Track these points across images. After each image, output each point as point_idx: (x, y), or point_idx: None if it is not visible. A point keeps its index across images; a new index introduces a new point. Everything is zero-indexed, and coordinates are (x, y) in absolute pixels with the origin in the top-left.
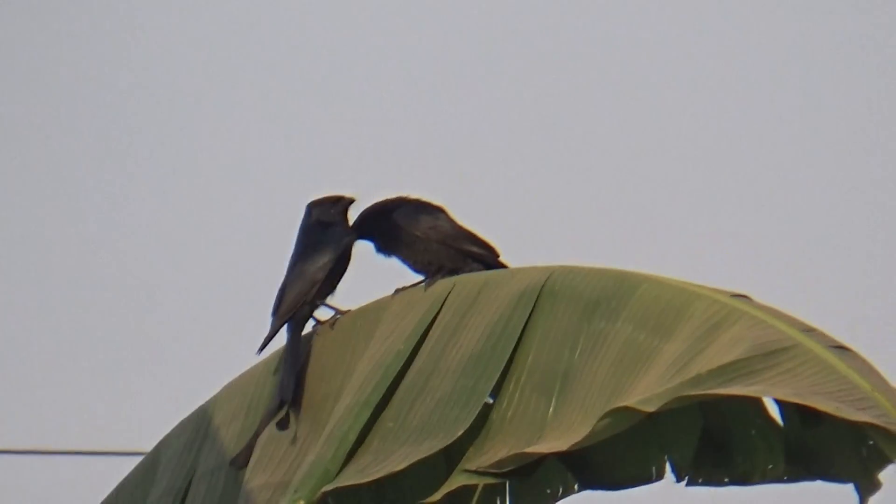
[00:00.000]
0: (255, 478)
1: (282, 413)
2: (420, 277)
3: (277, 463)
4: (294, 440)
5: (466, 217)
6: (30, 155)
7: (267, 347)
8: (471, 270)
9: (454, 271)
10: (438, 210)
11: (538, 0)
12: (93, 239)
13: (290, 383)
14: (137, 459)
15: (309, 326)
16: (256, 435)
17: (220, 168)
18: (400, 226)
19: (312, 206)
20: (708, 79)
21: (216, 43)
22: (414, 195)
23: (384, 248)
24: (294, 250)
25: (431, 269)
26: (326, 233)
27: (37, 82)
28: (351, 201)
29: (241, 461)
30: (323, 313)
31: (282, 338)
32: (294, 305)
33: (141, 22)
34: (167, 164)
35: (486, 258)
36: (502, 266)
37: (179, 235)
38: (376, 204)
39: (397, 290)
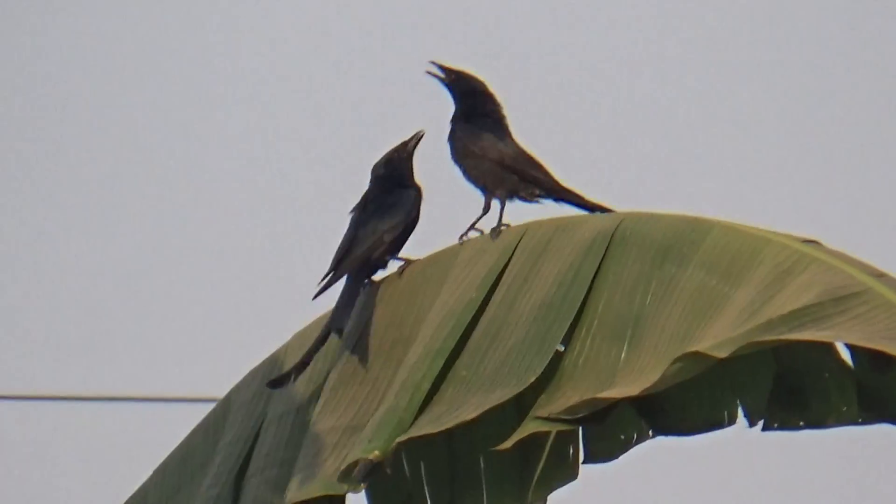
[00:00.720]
0: (322, 420)
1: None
2: (477, 192)
3: (346, 405)
4: (360, 384)
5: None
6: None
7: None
8: (529, 194)
9: (512, 194)
10: (504, 130)
11: None
12: (162, 183)
13: (343, 313)
14: (209, 406)
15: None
16: (299, 363)
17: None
18: (461, 138)
19: (377, 168)
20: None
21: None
22: (493, 104)
23: (450, 136)
24: (361, 204)
25: (486, 187)
26: (400, 193)
27: (43, 81)
28: (416, 142)
29: (277, 383)
30: (381, 272)
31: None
32: (358, 261)
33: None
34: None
35: (544, 182)
36: (563, 191)
37: (250, 185)
38: (473, 82)
39: (462, 238)
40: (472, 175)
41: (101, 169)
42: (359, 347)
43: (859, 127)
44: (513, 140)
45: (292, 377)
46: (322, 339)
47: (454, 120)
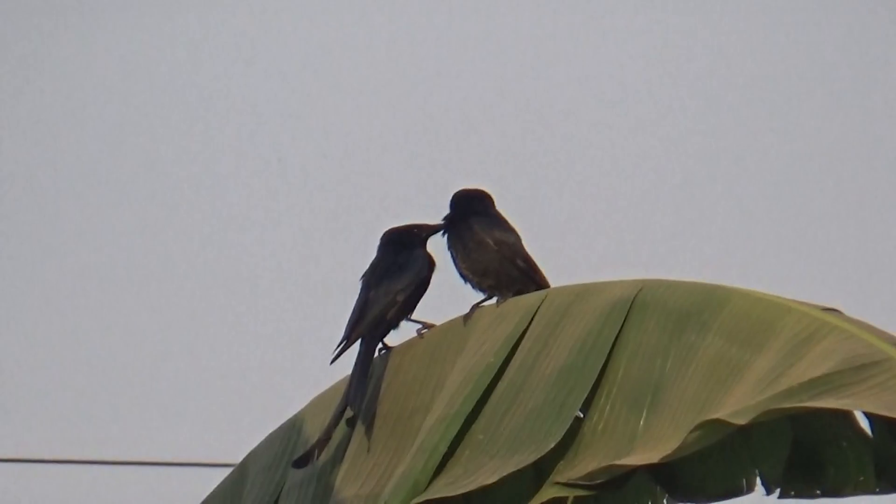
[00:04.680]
0: (345, 489)
1: (348, 414)
2: (467, 287)
3: (367, 475)
4: (382, 452)
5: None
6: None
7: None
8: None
9: (519, 293)
10: (513, 231)
11: None
12: (183, 239)
13: (358, 390)
14: (226, 471)
15: (381, 345)
16: (321, 439)
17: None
18: (474, 228)
19: (390, 234)
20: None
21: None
22: (495, 208)
23: (450, 240)
24: (372, 269)
25: (486, 281)
26: (410, 254)
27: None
28: (434, 230)
29: (301, 463)
30: (395, 335)
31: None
32: (374, 322)
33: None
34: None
35: (541, 287)
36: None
37: (269, 250)
38: (463, 192)
39: (475, 307)
40: (475, 270)
41: (106, 225)
42: (378, 415)
43: (881, 195)
44: (519, 239)
45: (315, 455)
46: (341, 412)
47: (452, 220)
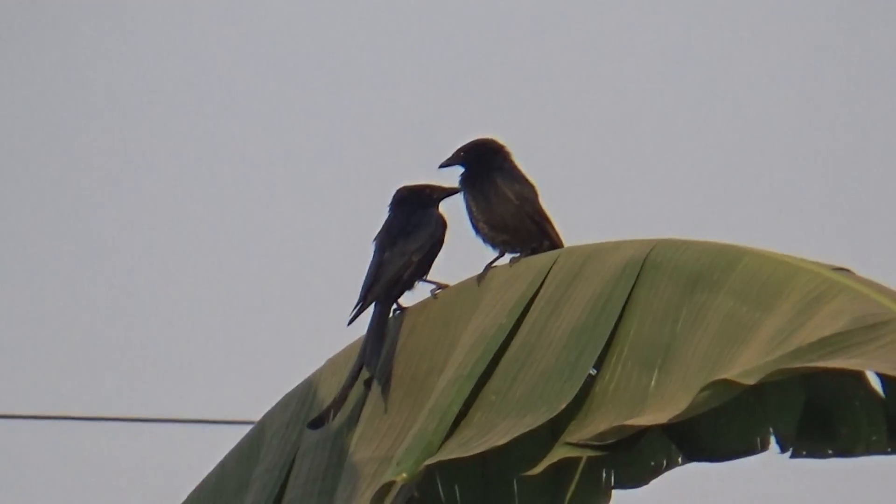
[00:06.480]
0: (360, 451)
1: (364, 375)
2: (481, 245)
3: (382, 437)
4: (397, 413)
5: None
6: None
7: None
8: (533, 251)
9: (534, 250)
10: (532, 186)
11: None
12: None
13: (374, 350)
14: (245, 429)
15: (395, 306)
16: (336, 400)
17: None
18: (496, 182)
19: (403, 192)
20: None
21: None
22: (513, 161)
23: (468, 188)
24: (385, 229)
25: (501, 236)
26: (423, 214)
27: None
28: (449, 193)
29: (317, 424)
30: (410, 296)
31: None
32: (389, 283)
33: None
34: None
35: (555, 244)
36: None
37: (286, 211)
38: (480, 143)
39: (488, 267)
40: (492, 223)
41: (137, 191)
42: (392, 377)
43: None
44: (537, 194)
45: (331, 415)
46: (356, 374)
47: (470, 176)
